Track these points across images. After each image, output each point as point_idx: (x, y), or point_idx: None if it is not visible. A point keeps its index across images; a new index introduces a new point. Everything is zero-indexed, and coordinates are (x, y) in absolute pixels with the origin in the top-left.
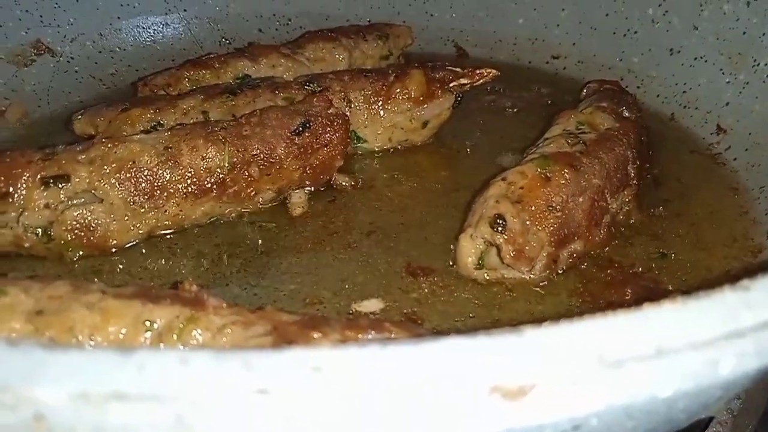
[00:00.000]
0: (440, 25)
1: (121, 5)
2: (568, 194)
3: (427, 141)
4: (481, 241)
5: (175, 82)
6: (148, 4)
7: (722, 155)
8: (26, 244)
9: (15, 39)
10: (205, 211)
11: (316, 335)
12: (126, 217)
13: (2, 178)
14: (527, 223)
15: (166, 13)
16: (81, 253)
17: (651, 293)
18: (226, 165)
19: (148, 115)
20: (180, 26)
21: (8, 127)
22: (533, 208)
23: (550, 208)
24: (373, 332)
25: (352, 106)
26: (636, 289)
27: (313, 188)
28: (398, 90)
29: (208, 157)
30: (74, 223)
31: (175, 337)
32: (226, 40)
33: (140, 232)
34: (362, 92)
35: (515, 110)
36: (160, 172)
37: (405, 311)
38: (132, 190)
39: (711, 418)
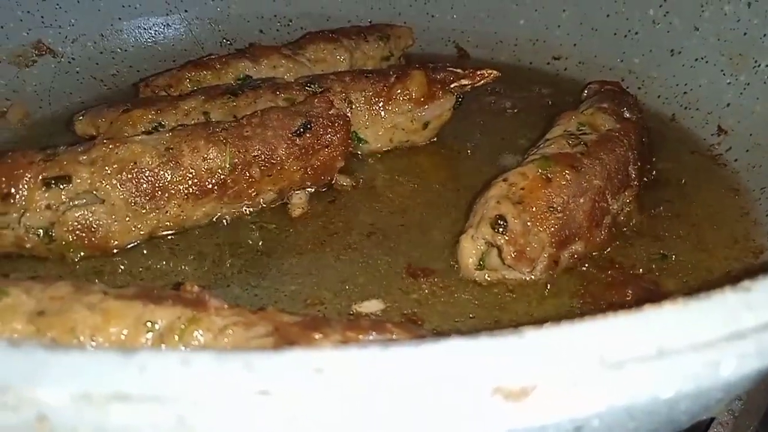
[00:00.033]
0: (441, 25)
1: (123, 6)
2: (569, 195)
3: (428, 142)
4: (482, 242)
5: (176, 83)
6: (149, 5)
7: (723, 156)
8: (28, 245)
9: (16, 40)
10: (206, 212)
11: (317, 336)
12: (127, 218)
13: (4, 179)
14: (528, 224)
15: (168, 14)
16: (82, 253)
17: (652, 294)
18: (227, 166)
19: (150, 116)
20: (181, 27)
21: (9, 128)
22: (534, 209)
23: (551, 209)
24: (374, 333)
25: (353, 107)
26: (637, 290)
27: (313, 189)
28: (399, 91)
29: (210, 158)
30: (75, 223)
31: (176, 338)
32: (227, 40)
33: (141, 232)
34: (363, 93)
35: (516, 111)
36: (162, 172)
37: (405, 312)
38: (133, 190)
39: (712, 419)
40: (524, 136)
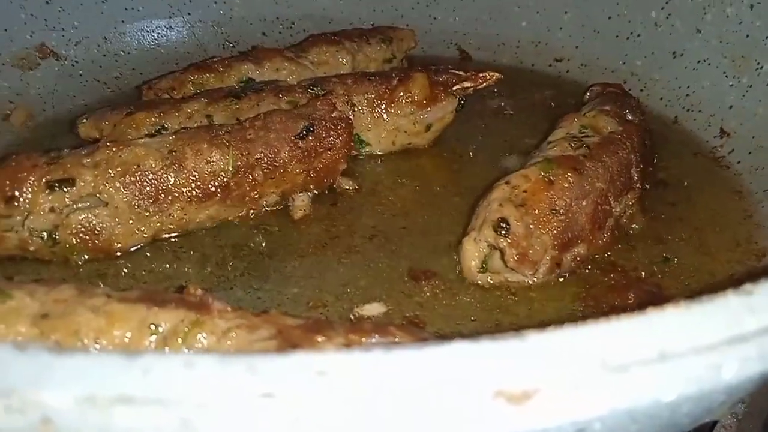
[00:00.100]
0: (443, 28)
1: (126, 9)
2: (572, 198)
3: (430, 144)
4: (485, 245)
5: (179, 85)
6: (152, 8)
7: (726, 158)
8: (31, 248)
9: (20, 43)
10: (209, 215)
11: (320, 339)
12: (131, 221)
13: (8, 182)
14: (531, 226)
15: (171, 17)
16: (86, 256)
17: (654, 297)
18: (230, 169)
19: (153, 119)
20: (184, 30)
21: (13, 131)
22: (537, 211)
23: (554, 212)
24: (377, 336)
25: (356, 109)
26: (639, 293)
27: (316, 191)
28: (401, 93)
29: (213, 161)
30: (79, 226)
31: (180, 340)
32: (230, 43)
33: (145, 235)
34: (366, 96)
35: (518, 113)
36: (165, 175)
37: (407, 315)
38: (137, 193)
39: (715, 422)
40: (526, 139)
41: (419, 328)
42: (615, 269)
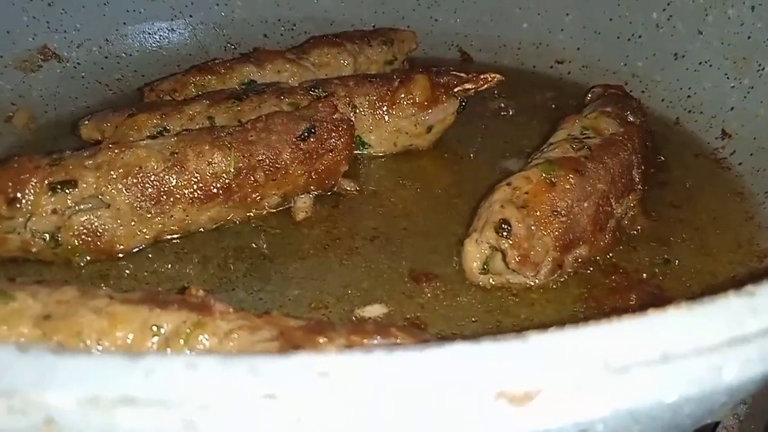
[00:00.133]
0: (444, 29)
1: (128, 11)
2: (573, 199)
3: (432, 146)
4: (487, 246)
5: (181, 87)
6: (154, 10)
7: (727, 160)
8: (34, 249)
9: (22, 45)
10: (211, 216)
11: (322, 340)
12: (132, 223)
13: (10, 184)
14: (532, 228)
15: (172, 19)
16: (88, 258)
17: (655, 299)
18: (232, 170)
19: (155, 121)
20: (186, 32)
21: (15, 133)
22: (538, 213)
23: (555, 213)
24: (378, 337)
25: (357, 111)
26: (640, 294)
27: (317, 193)
28: (403, 95)
29: (214, 163)
30: (81, 228)
31: (182, 342)
32: (232, 45)
33: (147, 237)
34: (367, 97)
35: (519, 115)
36: (167, 177)
37: (408, 316)
38: (138, 195)
39: (717, 423)
40: (528, 140)
41: (420, 329)
42: (616, 270)
